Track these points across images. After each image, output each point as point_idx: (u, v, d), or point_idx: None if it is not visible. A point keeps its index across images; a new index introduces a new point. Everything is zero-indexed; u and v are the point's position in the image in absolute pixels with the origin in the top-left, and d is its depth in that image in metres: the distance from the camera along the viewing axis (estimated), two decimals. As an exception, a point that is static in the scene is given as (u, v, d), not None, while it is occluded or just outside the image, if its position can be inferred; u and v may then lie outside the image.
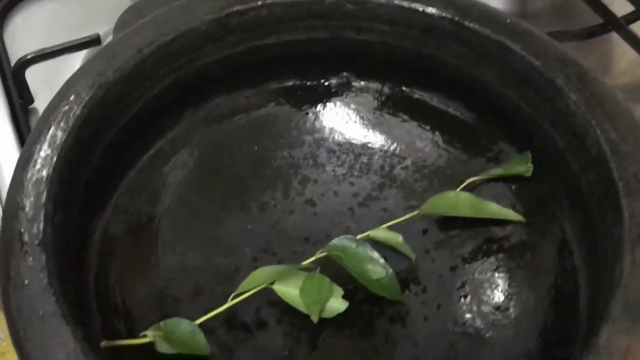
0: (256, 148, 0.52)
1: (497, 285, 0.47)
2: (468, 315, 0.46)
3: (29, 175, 0.40)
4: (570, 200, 0.46)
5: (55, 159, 0.40)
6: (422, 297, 0.47)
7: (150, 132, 0.49)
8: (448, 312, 0.46)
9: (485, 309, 0.46)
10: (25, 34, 0.70)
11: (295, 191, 0.51)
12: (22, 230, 0.38)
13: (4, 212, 0.39)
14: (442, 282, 0.48)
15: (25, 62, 0.61)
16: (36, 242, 0.38)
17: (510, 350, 0.44)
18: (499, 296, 0.47)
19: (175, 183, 0.50)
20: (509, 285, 0.47)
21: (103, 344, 0.42)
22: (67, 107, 0.42)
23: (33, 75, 0.64)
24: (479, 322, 0.46)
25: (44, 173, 0.40)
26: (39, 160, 0.40)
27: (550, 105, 0.47)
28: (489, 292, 0.47)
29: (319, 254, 0.47)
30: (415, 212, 0.50)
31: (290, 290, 0.47)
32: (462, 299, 0.47)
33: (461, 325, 0.46)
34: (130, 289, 0.45)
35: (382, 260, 0.47)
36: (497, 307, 0.46)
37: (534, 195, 0.49)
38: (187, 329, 0.45)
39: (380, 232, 0.49)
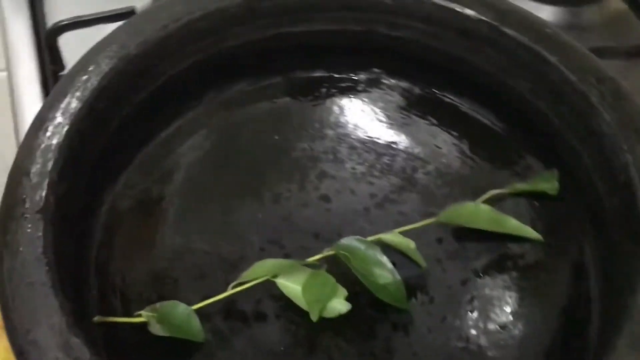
0: (276, 137, 0.51)
1: (507, 304, 0.45)
2: (473, 332, 0.44)
3: (39, 141, 0.39)
4: (593, 223, 0.44)
5: (66, 128, 0.40)
6: (428, 307, 0.46)
7: (169, 110, 0.48)
8: (453, 326, 0.45)
9: (492, 326, 0.44)
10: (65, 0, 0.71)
11: (311, 185, 0.50)
12: (24, 196, 0.38)
13: (9, 175, 0.39)
14: (450, 295, 0.46)
15: (59, 28, 0.61)
16: (36, 209, 0.37)
17: (510, 372, 0.42)
18: (507, 315, 0.45)
19: (190, 164, 0.49)
20: (519, 305, 0.45)
21: (96, 319, 0.41)
22: (85, 77, 0.41)
23: (67, 43, 0.64)
24: (483, 340, 0.44)
25: (54, 141, 0.39)
26: (50, 128, 0.40)
27: (582, 123, 0.45)
28: (497, 309, 0.45)
29: (327, 252, 0.46)
30: (432, 219, 0.48)
31: (293, 286, 0.46)
32: (469, 314, 0.45)
33: (464, 340, 0.44)
34: (132, 266, 0.45)
35: (390, 265, 0.46)
36: (504, 326, 0.44)
37: (556, 214, 0.47)
38: (184, 313, 0.44)
39: (393, 236, 0.47)
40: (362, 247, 0.46)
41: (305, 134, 0.52)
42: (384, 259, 0.46)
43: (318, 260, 0.46)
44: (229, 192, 0.49)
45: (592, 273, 0.43)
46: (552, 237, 0.46)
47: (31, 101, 0.60)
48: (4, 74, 0.65)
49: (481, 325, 0.45)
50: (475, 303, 0.46)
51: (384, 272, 0.46)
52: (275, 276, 0.45)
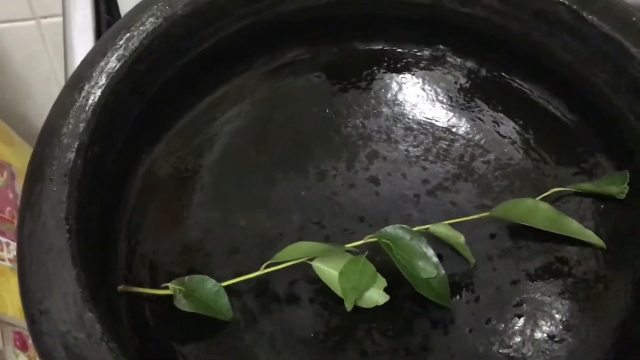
0: (327, 111, 0.48)
1: (558, 312, 0.42)
2: (518, 338, 0.41)
3: (73, 100, 0.38)
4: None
5: (102, 88, 0.38)
6: (472, 306, 0.43)
7: (215, 75, 0.45)
8: (496, 329, 0.42)
9: (539, 335, 0.41)
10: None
11: (360, 164, 0.47)
12: (53, 157, 0.36)
13: (40, 133, 0.38)
14: (498, 295, 0.43)
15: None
16: (63, 172, 0.35)
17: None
18: (557, 324, 0.41)
19: (234, 133, 0.47)
20: (571, 315, 0.41)
21: (120, 287, 0.40)
22: (127, 35, 0.39)
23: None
24: (527, 348, 0.41)
25: (89, 101, 0.38)
26: (86, 87, 0.38)
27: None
28: (547, 317, 0.42)
29: (369, 238, 0.44)
30: (486, 213, 0.45)
31: (329, 270, 0.43)
32: (516, 319, 0.42)
33: (507, 346, 0.41)
34: (164, 235, 0.43)
35: (435, 259, 0.43)
36: (552, 337, 0.41)
37: (623, 220, 0.43)
38: (212, 289, 0.42)
39: (442, 228, 0.44)
40: (407, 236, 0.43)
41: (358, 110, 0.49)
42: (430, 252, 0.43)
43: (359, 246, 0.44)
44: (271, 165, 0.47)
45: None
46: (615, 245, 0.43)
47: (84, 50, 0.59)
48: (59, 19, 0.63)
49: (527, 332, 0.42)
50: (524, 307, 0.42)
51: (428, 266, 0.43)
52: (312, 259, 0.43)
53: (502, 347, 0.41)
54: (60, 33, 0.63)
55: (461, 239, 0.44)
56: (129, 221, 0.42)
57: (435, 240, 0.44)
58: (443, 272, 0.43)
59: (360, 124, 0.48)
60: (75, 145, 0.36)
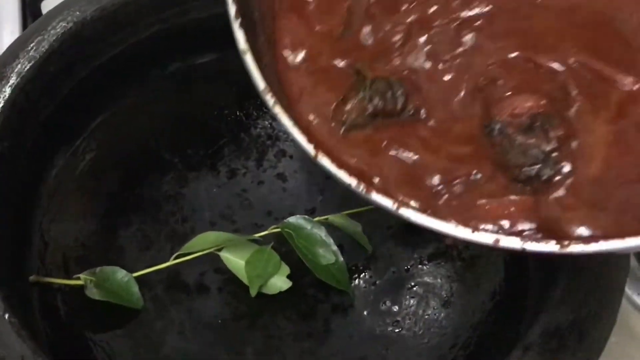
0: (238, 113, 0.51)
1: (446, 292, 0.45)
2: (411, 318, 0.44)
3: (-16, 96, 0.40)
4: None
5: (12, 87, 0.40)
6: (370, 290, 0.46)
7: (128, 79, 0.48)
8: (391, 311, 0.45)
9: (429, 313, 0.44)
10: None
11: (269, 163, 0.50)
12: (-37, 148, 0.38)
13: (-48, 129, 0.40)
14: (394, 280, 0.46)
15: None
16: (-27, 162, 0.38)
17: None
18: (445, 303, 0.45)
19: (147, 134, 0.49)
20: (458, 293, 0.45)
21: (32, 278, 0.42)
22: (38, 38, 0.42)
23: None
24: (419, 327, 0.44)
25: (1, 100, 0.40)
26: (-2, 84, 0.40)
27: None
28: (436, 297, 0.45)
29: (272, 229, 0.46)
30: None
31: (236, 260, 0.46)
32: (410, 300, 0.45)
33: (401, 326, 0.44)
34: (77, 231, 0.45)
35: (335, 247, 0.46)
36: (440, 314, 0.44)
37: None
38: (123, 279, 0.44)
39: (340, 218, 0.47)
40: (308, 226, 0.46)
41: (267, 112, 0.52)
42: (329, 240, 0.46)
43: (263, 236, 0.46)
44: (185, 164, 0.49)
45: (530, 266, 0.42)
46: None
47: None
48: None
49: (420, 312, 0.45)
50: (416, 290, 0.46)
51: (327, 253, 0.46)
52: (220, 249, 0.46)
53: (396, 327, 0.44)
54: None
55: (358, 227, 0.47)
56: (43, 215, 0.44)
57: (337, 231, 0.47)
58: (342, 259, 0.46)
59: (269, 125, 0.51)
60: (-14, 137, 0.38)
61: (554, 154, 0.30)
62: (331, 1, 0.35)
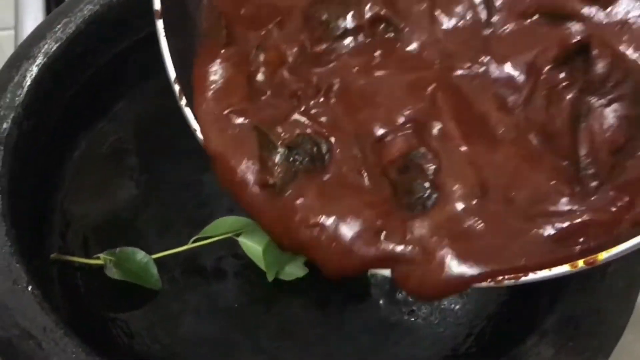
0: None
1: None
2: (426, 309, 0.45)
3: (11, 76, 0.40)
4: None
5: (39, 67, 0.41)
6: (386, 279, 0.46)
7: (154, 62, 0.48)
8: (407, 301, 0.45)
9: (444, 304, 0.45)
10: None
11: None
12: (-12, 126, 0.39)
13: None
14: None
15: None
16: (-3, 138, 0.38)
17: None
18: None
19: (170, 119, 0.49)
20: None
21: (53, 256, 0.42)
22: (65, 20, 0.42)
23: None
24: (435, 316, 0.44)
25: (26, 78, 0.40)
26: (24, 65, 0.41)
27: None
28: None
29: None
30: None
31: (254, 246, 0.46)
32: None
33: (416, 315, 0.44)
34: (97, 212, 0.46)
35: None
36: (454, 305, 0.44)
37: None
38: (142, 260, 0.44)
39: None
40: None
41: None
42: None
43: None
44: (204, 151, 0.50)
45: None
46: None
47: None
48: (12, 32, 0.66)
49: (435, 302, 0.45)
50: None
51: None
52: (238, 235, 0.46)
53: (411, 316, 0.45)
54: (12, 45, 0.65)
55: None
56: (64, 195, 0.44)
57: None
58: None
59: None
60: (11, 117, 0.39)
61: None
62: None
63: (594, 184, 0.30)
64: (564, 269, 0.28)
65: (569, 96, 0.31)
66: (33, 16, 0.63)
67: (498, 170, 0.31)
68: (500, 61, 0.33)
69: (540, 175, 0.31)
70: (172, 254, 0.46)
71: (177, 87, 0.35)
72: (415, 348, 0.43)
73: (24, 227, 0.38)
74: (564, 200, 0.30)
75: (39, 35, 0.42)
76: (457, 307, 0.44)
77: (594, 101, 0.31)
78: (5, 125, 0.39)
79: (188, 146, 0.50)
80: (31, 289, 0.34)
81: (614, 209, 0.29)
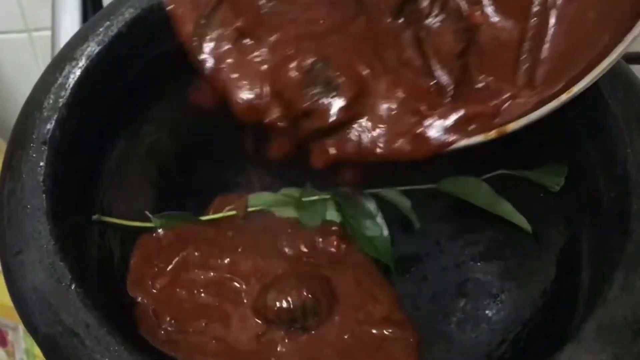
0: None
1: (497, 290, 0.45)
2: (459, 314, 0.45)
3: (55, 78, 0.41)
4: (591, 217, 0.43)
5: (82, 69, 0.41)
6: (420, 285, 0.47)
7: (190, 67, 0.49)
8: (441, 304, 0.45)
9: (480, 312, 0.45)
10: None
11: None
12: (33, 127, 0.39)
13: (23, 107, 0.41)
14: (444, 275, 0.47)
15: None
16: (42, 140, 0.39)
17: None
18: (495, 301, 0.45)
19: (208, 121, 0.50)
20: (509, 291, 0.45)
21: (95, 217, 0.44)
22: (107, 23, 0.43)
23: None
24: (468, 322, 0.44)
25: (69, 80, 0.41)
26: (67, 67, 0.41)
27: (590, 116, 0.43)
28: (487, 296, 0.45)
29: (323, 195, 0.47)
30: (433, 185, 0.47)
31: (289, 213, 0.47)
32: (458, 297, 0.46)
33: (448, 321, 0.45)
34: (135, 212, 0.46)
35: (382, 221, 0.46)
36: (488, 311, 0.45)
37: (559, 204, 0.46)
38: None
39: (391, 192, 0.47)
40: (357, 197, 0.47)
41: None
42: (378, 213, 0.47)
43: (312, 202, 0.47)
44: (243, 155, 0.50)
45: (583, 266, 0.42)
46: (542, 229, 0.45)
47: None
48: (49, 32, 0.67)
49: (468, 308, 0.45)
50: (468, 287, 0.46)
51: (374, 226, 0.46)
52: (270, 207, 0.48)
53: (445, 321, 0.45)
54: (49, 45, 0.67)
55: (408, 203, 0.47)
56: (103, 194, 0.45)
57: (391, 222, 0.47)
58: (387, 232, 0.46)
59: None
60: (55, 118, 0.40)
61: None
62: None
63: (452, 86, 0.37)
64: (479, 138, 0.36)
65: (408, 31, 0.39)
66: (69, 19, 0.65)
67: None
68: None
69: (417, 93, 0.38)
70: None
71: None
72: (448, 353, 0.43)
73: (66, 225, 0.38)
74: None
75: (81, 37, 0.43)
76: (491, 313, 0.44)
77: (430, 24, 0.38)
78: (49, 126, 0.39)
79: (226, 149, 0.51)
80: (74, 287, 0.35)
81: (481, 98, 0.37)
